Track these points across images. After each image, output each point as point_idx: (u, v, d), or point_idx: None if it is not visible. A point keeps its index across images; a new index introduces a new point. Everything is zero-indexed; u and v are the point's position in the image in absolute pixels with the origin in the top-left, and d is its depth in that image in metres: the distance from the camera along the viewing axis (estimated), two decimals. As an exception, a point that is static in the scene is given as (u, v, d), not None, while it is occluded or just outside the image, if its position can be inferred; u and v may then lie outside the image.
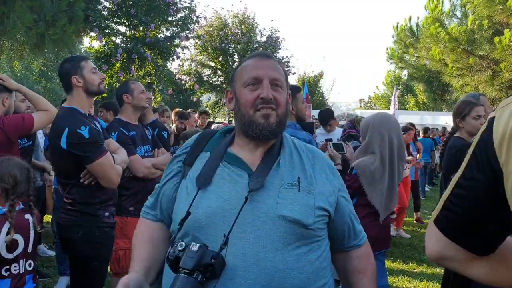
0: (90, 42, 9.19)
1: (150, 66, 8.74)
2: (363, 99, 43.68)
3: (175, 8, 8.89)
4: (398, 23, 12.58)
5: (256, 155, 1.48)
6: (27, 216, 2.48)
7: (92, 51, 9.24)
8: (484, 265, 1.01)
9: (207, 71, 14.40)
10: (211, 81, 14.29)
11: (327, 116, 6.48)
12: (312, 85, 24.13)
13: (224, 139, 1.57)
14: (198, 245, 1.25)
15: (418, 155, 9.07)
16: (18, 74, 26.43)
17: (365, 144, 3.44)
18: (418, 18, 11.86)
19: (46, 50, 7.22)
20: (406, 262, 5.73)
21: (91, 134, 2.70)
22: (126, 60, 8.44)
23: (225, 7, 16.80)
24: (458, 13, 10.30)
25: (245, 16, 13.84)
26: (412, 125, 8.82)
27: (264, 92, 1.44)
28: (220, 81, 14.46)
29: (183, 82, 11.79)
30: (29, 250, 2.45)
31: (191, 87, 11.62)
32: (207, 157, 1.51)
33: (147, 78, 8.75)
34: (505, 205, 0.91)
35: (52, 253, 5.30)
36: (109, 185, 2.84)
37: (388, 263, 5.50)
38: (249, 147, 1.49)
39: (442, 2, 10.21)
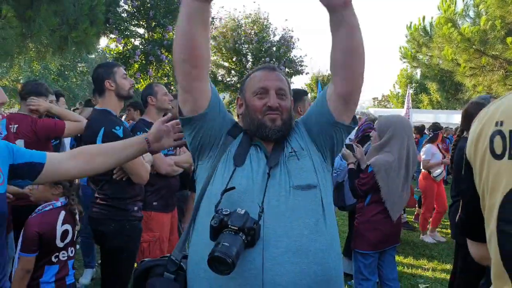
0: (109, 44, 9.44)
1: (168, 67, 8.96)
2: (377, 98, 43.49)
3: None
4: (411, 22, 12.65)
5: (267, 143, 1.75)
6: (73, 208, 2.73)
7: (111, 52, 9.50)
8: None
9: (221, 71, 14.62)
10: (225, 81, 14.50)
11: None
12: (326, 83, 24.24)
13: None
14: (244, 209, 1.48)
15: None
16: (37, 74, 26.98)
17: (382, 143, 3.58)
18: (432, 18, 11.97)
19: (67, 53, 7.44)
20: (417, 258, 5.88)
21: (125, 134, 2.93)
22: (143, 61, 8.68)
23: (238, 8, 16.97)
24: (471, 13, 10.34)
25: (258, 16, 14.03)
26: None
27: (271, 101, 1.71)
28: (234, 80, 14.66)
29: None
30: (74, 239, 2.70)
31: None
32: (239, 140, 1.77)
33: (165, 79, 8.97)
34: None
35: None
36: (139, 181, 3.06)
37: (400, 259, 5.66)
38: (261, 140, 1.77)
39: (455, 2, 10.26)
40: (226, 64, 14.64)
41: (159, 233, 3.76)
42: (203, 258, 1.48)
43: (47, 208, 2.63)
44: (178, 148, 4.08)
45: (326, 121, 1.69)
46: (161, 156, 3.70)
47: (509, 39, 8.25)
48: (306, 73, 19.39)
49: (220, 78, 14.45)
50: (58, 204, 2.65)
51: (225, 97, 15.03)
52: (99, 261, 4.09)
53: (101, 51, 23.17)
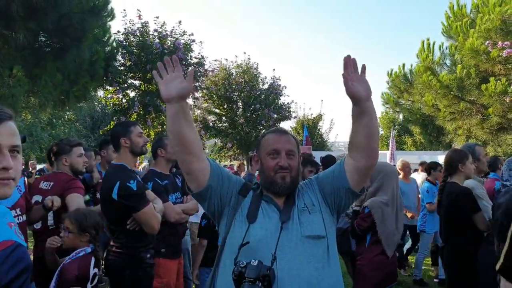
0: (105, 95, 9.82)
1: (163, 117, 9.33)
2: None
3: (186, 63, 9.60)
4: (392, 70, 13.31)
5: (278, 198, 2.08)
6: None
7: (108, 103, 9.89)
8: None
9: (212, 117, 15.05)
10: (216, 127, 14.90)
11: (329, 162, 6.99)
12: (311, 127, 24.77)
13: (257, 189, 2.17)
14: (257, 261, 1.76)
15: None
16: (27, 123, 27.14)
17: (376, 187, 3.89)
18: (411, 65, 12.64)
19: (68, 106, 7.78)
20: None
21: (138, 187, 3.21)
22: (142, 112, 9.06)
23: (229, 58, 17.86)
24: (448, 62, 11.00)
25: (248, 66, 14.65)
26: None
27: (282, 161, 2.06)
28: (225, 126, 15.07)
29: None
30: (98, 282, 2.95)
31: (198, 133, 12.18)
32: (248, 199, 2.09)
33: (159, 127, 9.32)
34: None
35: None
36: (151, 231, 3.31)
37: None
38: (271, 194, 2.09)
39: (433, 51, 10.93)
40: (217, 110, 15.10)
41: (167, 279, 3.92)
42: None
43: (80, 254, 2.89)
44: (185, 196, 4.35)
45: (341, 186, 2.04)
46: (170, 205, 3.93)
47: (483, 86, 8.81)
48: (294, 117, 19.98)
49: (211, 124, 14.84)
50: (89, 250, 2.91)
51: (216, 142, 15.37)
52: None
53: (89, 100, 23.50)
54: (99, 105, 25.92)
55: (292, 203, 2.04)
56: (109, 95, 9.69)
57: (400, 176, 7.70)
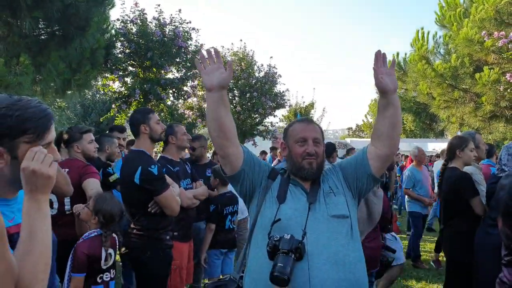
0: (103, 82, 9.86)
1: (162, 105, 9.43)
2: (351, 128, 44.64)
3: (185, 51, 9.67)
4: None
5: (305, 181, 2.26)
6: (114, 235, 3.12)
7: (106, 90, 9.95)
8: None
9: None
10: (212, 115, 14.91)
11: (330, 149, 7.19)
12: (303, 115, 24.97)
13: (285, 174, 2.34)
14: (289, 235, 1.95)
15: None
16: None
17: None
18: (405, 54, 12.83)
19: (70, 94, 7.85)
20: (406, 279, 6.35)
21: (159, 172, 3.36)
22: (142, 100, 9.14)
23: (225, 46, 17.85)
24: (442, 51, 11.20)
25: (244, 54, 14.70)
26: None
27: (309, 148, 2.24)
28: (221, 114, 15.10)
29: (186, 116, 12.45)
30: (114, 262, 3.10)
31: (194, 121, 12.27)
32: (278, 182, 2.27)
33: (161, 115, 9.42)
34: None
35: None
36: (171, 214, 3.47)
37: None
38: (299, 179, 2.28)
39: (427, 40, 11.12)
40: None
41: (179, 261, 4.10)
42: (260, 274, 2.01)
43: (92, 234, 3.05)
44: (195, 182, 4.50)
45: (364, 171, 2.23)
46: (182, 191, 4.09)
47: (477, 75, 9.02)
48: (290, 106, 20.09)
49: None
50: (100, 232, 3.06)
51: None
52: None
53: (95, 91, 23.48)
54: (90, 93, 25.74)
55: (318, 187, 2.22)
56: (108, 82, 9.73)
57: (414, 164, 7.88)
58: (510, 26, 8.14)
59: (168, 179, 3.77)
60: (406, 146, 24.59)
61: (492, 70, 8.74)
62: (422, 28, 11.47)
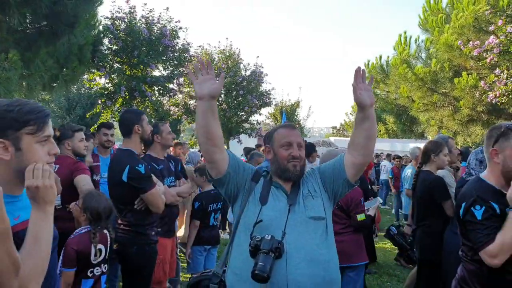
0: (90, 78, 9.91)
1: (148, 102, 9.53)
2: (336, 127, 44.96)
3: (173, 49, 9.79)
4: (369, 61, 13.77)
5: (287, 184, 2.42)
6: (105, 231, 3.26)
7: (92, 86, 10.02)
8: None
9: (194, 102, 15.19)
10: (198, 111, 14.97)
11: (310, 149, 7.39)
12: (289, 113, 25.20)
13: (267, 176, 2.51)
14: (270, 235, 2.12)
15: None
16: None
17: None
18: (388, 57, 13.10)
19: (57, 89, 7.92)
20: (382, 276, 6.60)
21: (146, 171, 3.51)
22: (128, 96, 9.23)
23: (212, 44, 17.84)
24: (423, 55, 11.49)
25: (231, 52, 14.84)
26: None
27: (294, 152, 2.41)
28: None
29: (171, 112, 12.55)
30: (106, 257, 3.23)
31: (179, 117, 12.38)
32: (261, 184, 2.43)
33: (147, 111, 9.52)
34: None
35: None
36: (156, 211, 3.61)
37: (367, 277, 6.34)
38: (280, 181, 2.43)
39: (409, 45, 11.41)
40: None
41: (163, 255, 4.23)
42: (242, 270, 2.20)
43: (83, 231, 3.19)
44: (178, 180, 4.64)
45: (340, 177, 2.41)
46: (166, 188, 4.23)
47: (456, 80, 9.33)
48: (275, 105, 20.31)
49: (193, 108, 14.98)
50: (90, 228, 3.21)
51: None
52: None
53: (81, 87, 23.38)
54: (75, 87, 25.59)
55: (298, 189, 2.40)
56: (94, 78, 9.79)
57: (413, 163, 7.91)
58: (487, 34, 8.44)
59: (154, 178, 3.92)
60: (388, 146, 25.03)
61: (470, 75, 9.06)
62: (405, 32, 11.77)
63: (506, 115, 9.12)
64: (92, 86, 10.14)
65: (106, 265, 3.28)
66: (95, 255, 3.13)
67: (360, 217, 4.00)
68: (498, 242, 2.23)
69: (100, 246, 3.17)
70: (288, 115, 22.11)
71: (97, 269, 3.18)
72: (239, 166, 2.42)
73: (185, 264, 5.52)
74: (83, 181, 3.72)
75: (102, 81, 9.59)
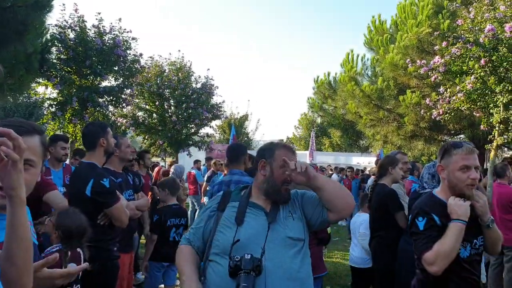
0: (36, 88, 9.54)
1: (98, 113, 9.29)
2: (283, 140, 45.71)
3: (125, 59, 9.63)
4: (318, 77, 14.25)
5: (266, 203, 2.43)
6: (79, 249, 3.14)
7: (39, 95, 9.63)
8: None
9: (143, 114, 14.93)
10: (146, 123, 14.79)
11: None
12: (238, 126, 25.31)
13: (242, 193, 2.52)
14: (249, 255, 2.14)
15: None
16: None
17: None
18: (335, 73, 13.61)
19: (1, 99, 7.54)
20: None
21: (111, 185, 3.43)
22: (78, 107, 8.95)
23: (163, 55, 17.72)
24: (369, 73, 12.06)
25: (182, 64, 14.75)
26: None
27: (292, 176, 2.35)
28: (155, 123, 15.01)
29: (119, 124, 12.27)
30: (79, 276, 3.10)
31: (126, 129, 12.14)
32: (235, 205, 2.43)
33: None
34: None
35: None
36: (121, 225, 3.54)
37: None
38: (263, 198, 2.42)
39: (356, 63, 11.93)
40: (147, 107, 15.00)
41: (120, 272, 4.12)
42: None
43: (54, 249, 3.05)
44: (137, 193, 4.57)
45: (320, 215, 2.42)
46: (125, 202, 4.15)
47: (401, 97, 9.84)
48: (225, 118, 20.33)
49: (141, 120, 14.71)
50: (61, 246, 3.08)
51: (145, 139, 15.20)
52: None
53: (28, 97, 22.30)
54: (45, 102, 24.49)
55: (278, 208, 2.39)
56: (39, 88, 9.45)
57: None
58: (429, 54, 8.97)
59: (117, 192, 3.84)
60: (332, 159, 25.78)
61: (414, 93, 9.58)
62: (352, 51, 12.30)
63: (446, 131, 9.70)
64: (35, 95, 9.75)
65: (78, 285, 3.15)
66: None
67: (329, 229, 4.13)
68: (435, 250, 2.38)
69: (71, 265, 3.05)
70: (236, 128, 22.21)
71: None
72: (208, 232, 2.44)
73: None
74: (58, 198, 3.59)
75: (48, 90, 9.25)
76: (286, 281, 2.20)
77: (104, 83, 9.69)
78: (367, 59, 12.21)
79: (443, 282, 2.44)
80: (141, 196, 4.59)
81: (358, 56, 12.12)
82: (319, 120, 28.63)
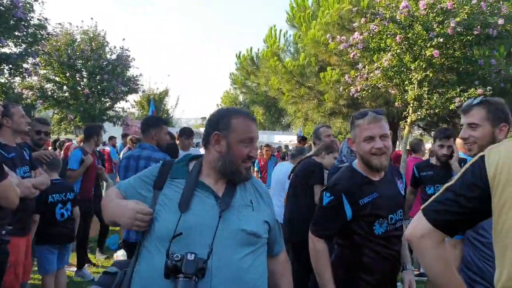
0: None
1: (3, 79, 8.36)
2: (205, 117, 45.28)
3: (26, 24, 8.68)
4: (240, 52, 13.96)
5: (219, 184, 1.94)
6: None
7: None
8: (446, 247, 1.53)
9: (52, 86, 13.78)
10: (56, 96, 13.67)
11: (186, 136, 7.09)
12: (157, 102, 24.49)
13: (189, 167, 2.00)
14: (193, 255, 1.65)
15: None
16: None
17: None
18: (258, 49, 13.41)
19: None
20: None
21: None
22: (-29, 75, 7.96)
23: (74, 23, 16.24)
24: (292, 49, 12.02)
25: (95, 33, 13.77)
26: None
27: (253, 152, 1.94)
28: (66, 96, 13.95)
29: (24, 96, 11.21)
30: None
31: (33, 102, 11.13)
32: (179, 184, 1.92)
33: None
34: (483, 215, 1.40)
35: None
36: (10, 206, 3.07)
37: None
38: (216, 178, 1.94)
39: (279, 38, 11.81)
40: (57, 79, 13.84)
41: (15, 257, 3.70)
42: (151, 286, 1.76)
43: None
44: (34, 170, 4.07)
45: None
46: (20, 179, 3.68)
47: (321, 74, 9.87)
48: (143, 91, 19.47)
49: (50, 93, 13.57)
50: None
51: (54, 113, 14.12)
52: None
53: None
54: None
55: (234, 192, 1.95)
56: None
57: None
58: (350, 32, 9.04)
59: (5, 168, 3.36)
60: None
61: (334, 71, 9.66)
62: (274, 26, 12.15)
63: (363, 108, 9.89)
64: None
65: None
66: None
67: None
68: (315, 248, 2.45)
69: None
70: (156, 104, 21.42)
71: None
72: (137, 189, 1.98)
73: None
74: None
75: None
76: (233, 284, 1.80)
77: (4, 50, 8.71)
78: (290, 35, 12.16)
79: (358, 257, 2.41)
80: (39, 173, 4.10)
81: (281, 31, 12.02)
82: (241, 97, 28.57)
